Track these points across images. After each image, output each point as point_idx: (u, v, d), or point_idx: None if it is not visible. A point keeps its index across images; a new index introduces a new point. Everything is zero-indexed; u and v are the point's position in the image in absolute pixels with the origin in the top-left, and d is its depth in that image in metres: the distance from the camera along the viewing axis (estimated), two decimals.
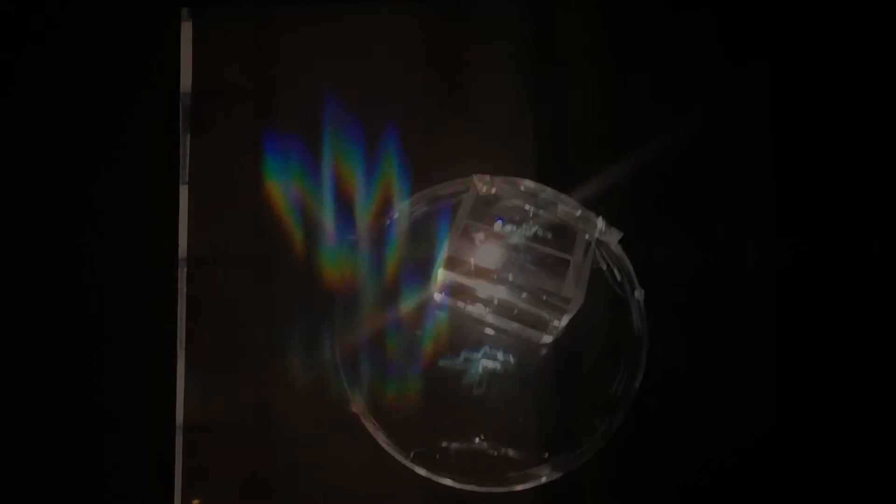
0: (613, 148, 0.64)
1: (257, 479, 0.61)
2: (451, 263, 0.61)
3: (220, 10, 0.64)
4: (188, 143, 0.62)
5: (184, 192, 0.61)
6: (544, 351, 0.65)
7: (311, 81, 0.64)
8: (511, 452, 0.63)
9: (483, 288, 0.62)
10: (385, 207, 0.63)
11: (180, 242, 0.61)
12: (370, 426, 0.62)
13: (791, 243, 0.65)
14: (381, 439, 0.62)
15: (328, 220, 0.62)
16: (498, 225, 0.61)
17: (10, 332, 0.59)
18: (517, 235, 0.61)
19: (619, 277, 0.64)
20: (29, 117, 0.61)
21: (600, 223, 0.61)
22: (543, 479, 0.62)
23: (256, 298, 0.62)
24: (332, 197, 0.63)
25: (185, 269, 0.62)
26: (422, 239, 0.66)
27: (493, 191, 0.62)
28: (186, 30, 0.62)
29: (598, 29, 0.65)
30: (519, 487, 0.62)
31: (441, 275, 0.63)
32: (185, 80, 0.62)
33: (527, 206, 0.62)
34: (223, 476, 0.61)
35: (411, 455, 0.62)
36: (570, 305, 0.60)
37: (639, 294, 0.63)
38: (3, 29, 0.61)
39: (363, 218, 0.62)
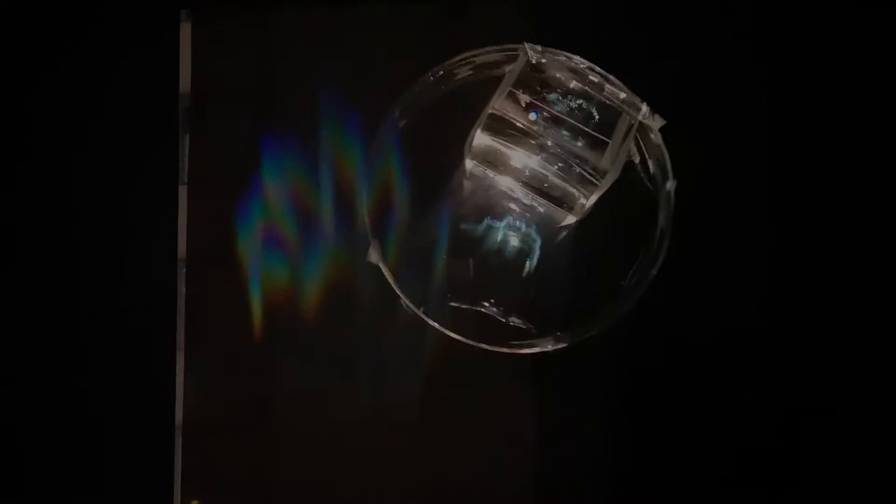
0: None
1: (257, 480, 0.61)
2: (490, 124, 0.61)
3: (218, 11, 0.64)
4: (187, 144, 0.62)
5: (182, 192, 0.62)
6: (566, 232, 0.65)
7: (309, 82, 0.64)
8: (518, 321, 0.63)
9: (517, 157, 0.62)
10: (384, 206, 0.63)
11: (179, 242, 0.61)
12: (388, 276, 0.62)
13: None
14: (397, 290, 0.62)
15: (327, 220, 0.63)
16: (532, 116, 0.61)
17: (8, 333, 0.59)
18: (561, 106, 0.61)
19: (652, 169, 0.65)
20: (27, 118, 0.61)
21: (644, 108, 0.61)
22: (549, 348, 0.62)
23: (255, 298, 0.62)
24: (331, 196, 0.63)
25: (184, 270, 0.62)
26: (460, 104, 0.66)
27: (543, 60, 0.62)
28: (185, 31, 0.63)
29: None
30: (523, 351, 0.62)
31: (477, 137, 0.62)
32: (184, 81, 0.63)
33: (573, 83, 0.61)
34: (222, 476, 0.61)
35: (422, 308, 0.62)
36: (604, 180, 0.60)
37: (670, 185, 0.63)
38: (2, 29, 0.61)
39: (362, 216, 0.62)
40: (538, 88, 0.61)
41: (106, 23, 0.62)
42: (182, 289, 0.61)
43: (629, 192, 0.64)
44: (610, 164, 0.60)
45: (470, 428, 0.63)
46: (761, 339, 0.65)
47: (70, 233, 0.60)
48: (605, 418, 0.63)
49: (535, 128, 0.60)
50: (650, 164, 0.65)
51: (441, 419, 0.63)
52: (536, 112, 0.60)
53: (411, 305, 0.62)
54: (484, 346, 0.61)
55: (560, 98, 0.61)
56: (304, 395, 0.62)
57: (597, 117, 0.61)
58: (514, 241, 0.65)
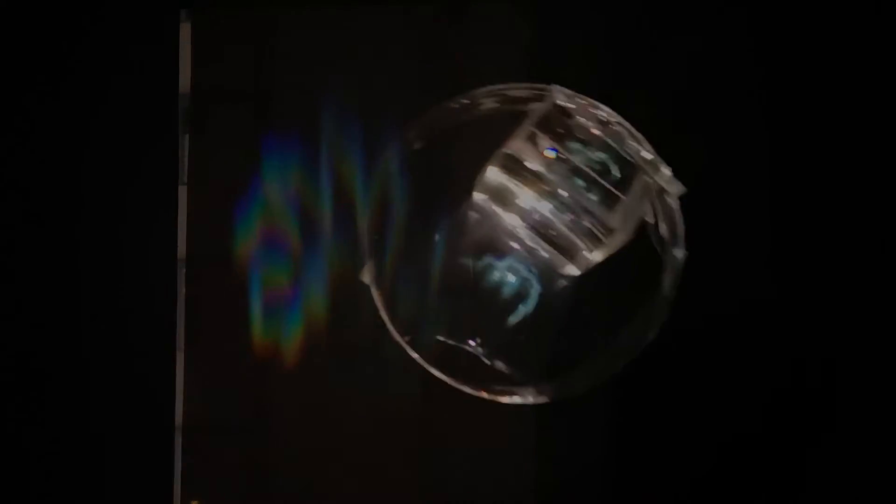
0: None
1: (256, 480, 0.61)
2: (504, 162, 0.59)
3: (218, 10, 0.63)
4: (186, 144, 0.62)
5: (182, 192, 0.61)
6: (566, 282, 0.63)
7: (309, 83, 0.63)
8: (502, 365, 0.62)
9: (527, 198, 0.60)
10: (384, 207, 0.63)
11: (179, 243, 0.61)
12: (377, 299, 0.61)
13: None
14: (385, 316, 0.60)
15: (327, 222, 0.62)
16: (550, 153, 0.59)
17: (7, 333, 0.59)
18: (580, 156, 0.59)
19: (663, 234, 0.63)
20: (26, 118, 0.61)
21: (666, 171, 0.60)
22: (530, 400, 0.60)
23: (255, 298, 0.61)
24: (331, 198, 0.63)
25: (184, 270, 0.61)
26: (479, 134, 0.64)
27: (570, 105, 0.60)
28: (185, 30, 0.62)
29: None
30: (503, 400, 0.60)
31: (489, 172, 0.61)
32: (184, 81, 0.62)
33: (598, 133, 0.60)
34: (222, 477, 0.61)
35: (407, 338, 0.61)
36: (611, 239, 0.58)
37: (680, 253, 0.61)
38: (1, 29, 0.61)
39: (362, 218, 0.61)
40: (560, 133, 0.59)
41: (105, 23, 0.61)
42: (182, 289, 0.60)
43: (636, 252, 0.63)
44: (620, 222, 0.58)
45: (467, 435, 0.62)
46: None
47: (69, 233, 0.60)
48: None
49: (549, 175, 0.58)
50: (663, 227, 0.63)
51: (437, 428, 0.62)
52: (555, 150, 0.58)
53: (395, 333, 0.60)
54: (463, 387, 0.59)
55: (581, 148, 0.59)
56: (303, 396, 0.61)
57: (615, 173, 0.59)
58: (512, 283, 0.63)
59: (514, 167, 0.59)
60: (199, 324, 0.60)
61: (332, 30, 0.64)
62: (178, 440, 0.59)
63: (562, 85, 0.61)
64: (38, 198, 0.60)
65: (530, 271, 0.63)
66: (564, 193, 0.58)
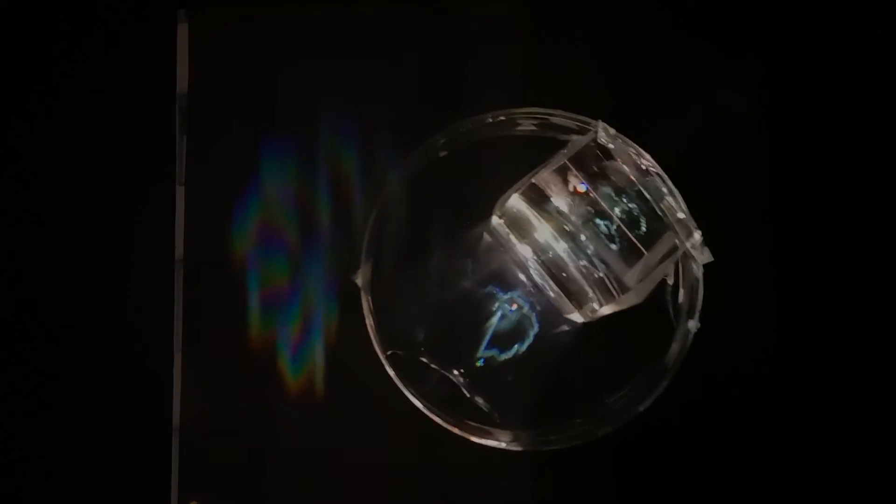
0: None
1: (254, 481, 0.60)
2: (529, 192, 0.56)
3: (216, 11, 0.63)
4: (184, 145, 0.61)
5: (180, 193, 0.61)
6: (566, 329, 0.59)
7: (308, 83, 0.62)
8: (482, 402, 0.58)
9: (545, 234, 0.56)
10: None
11: (176, 244, 0.60)
12: (365, 306, 0.57)
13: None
14: (369, 322, 0.57)
15: (325, 222, 0.61)
16: (581, 187, 0.55)
17: (5, 333, 0.58)
18: (610, 203, 0.55)
19: (681, 299, 0.59)
20: (24, 118, 0.60)
21: (697, 236, 0.56)
22: (502, 445, 0.57)
23: (253, 299, 0.60)
24: (329, 199, 0.61)
25: (182, 271, 0.60)
26: (510, 155, 0.61)
27: (611, 146, 0.56)
28: (183, 31, 0.61)
29: None
30: (474, 439, 0.57)
31: (512, 199, 0.57)
32: (182, 82, 0.62)
33: (634, 179, 0.55)
34: (220, 478, 0.60)
35: (388, 353, 0.57)
36: (623, 297, 0.54)
37: (693, 326, 0.57)
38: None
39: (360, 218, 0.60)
40: (594, 172, 0.55)
41: (103, 23, 0.61)
42: (179, 290, 0.60)
43: (647, 312, 0.59)
44: (635, 281, 0.54)
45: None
46: None
47: (66, 233, 0.59)
48: None
49: (572, 215, 0.54)
50: (681, 293, 0.59)
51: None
52: (587, 186, 0.54)
53: (376, 345, 0.57)
54: (436, 418, 0.56)
55: (612, 194, 0.55)
56: (300, 397, 0.60)
57: (643, 227, 0.55)
58: (510, 318, 0.59)
59: (538, 199, 0.55)
60: (196, 325, 0.60)
61: (330, 30, 0.63)
62: (176, 441, 0.59)
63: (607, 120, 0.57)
64: (35, 198, 0.59)
65: (532, 309, 0.59)
66: (584, 238, 0.54)
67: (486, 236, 0.60)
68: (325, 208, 0.60)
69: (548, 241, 0.56)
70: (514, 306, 0.59)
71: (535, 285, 0.59)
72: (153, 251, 0.59)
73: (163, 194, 0.59)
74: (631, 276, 0.54)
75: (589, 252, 0.54)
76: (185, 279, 0.60)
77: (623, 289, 0.54)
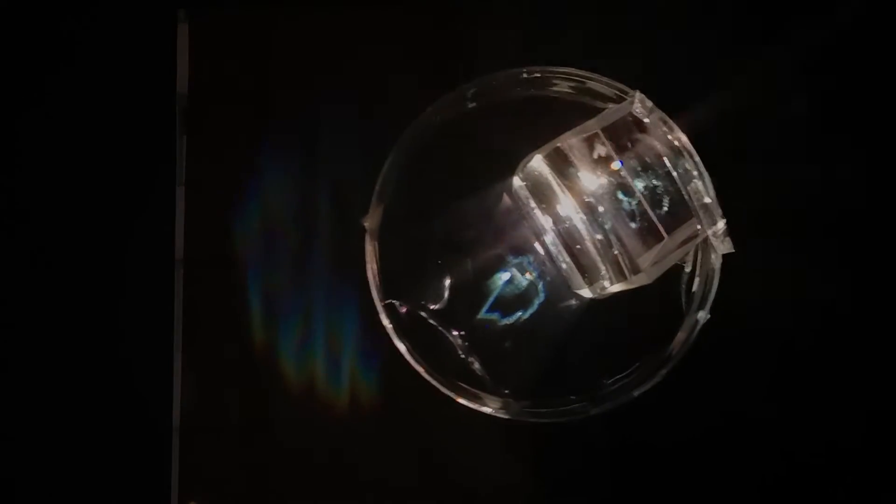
0: None
1: (254, 481, 0.60)
2: (554, 156, 0.53)
3: (216, 10, 0.62)
4: (184, 145, 0.61)
5: (180, 193, 0.60)
6: (573, 303, 0.57)
7: (308, 82, 0.61)
8: (476, 364, 0.56)
9: (564, 202, 0.54)
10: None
11: (176, 244, 0.60)
12: (369, 249, 0.56)
13: None
14: (371, 270, 0.56)
15: (326, 221, 0.60)
16: (616, 165, 0.53)
17: (6, 333, 0.58)
18: (635, 178, 0.52)
19: (695, 287, 0.56)
20: (23, 118, 0.60)
21: (721, 225, 0.53)
22: (487, 410, 0.55)
23: (253, 299, 0.60)
24: (330, 198, 0.61)
25: (182, 271, 0.60)
26: (544, 114, 0.58)
27: (646, 120, 0.53)
28: (183, 31, 0.61)
29: None
30: (461, 401, 0.55)
31: (535, 161, 0.55)
32: (182, 82, 0.61)
33: (665, 157, 0.53)
34: (219, 477, 0.60)
35: (385, 301, 0.56)
36: (634, 278, 0.52)
37: (702, 316, 0.55)
38: None
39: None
40: (624, 145, 0.53)
41: (102, 23, 0.60)
42: (180, 290, 0.59)
43: (659, 298, 0.57)
44: (649, 263, 0.52)
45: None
46: None
47: (66, 233, 0.59)
48: None
49: (594, 186, 0.52)
50: (696, 282, 0.56)
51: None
52: (622, 162, 0.52)
53: (374, 293, 0.55)
54: (426, 376, 0.55)
55: (639, 169, 0.53)
56: (301, 396, 0.59)
57: (665, 207, 0.52)
58: (518, 284, 0.57)
59: (562, 165, 0.53)
60: (196, 325, 0.60)
61: (329, 29, 0.61)
62: (176, 441, 0.59)
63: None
64: (35, 198, 0.59)
65: (541, 278, 0.57)
66: (602, 210, 0.52)
67: (506, 197, 0.58)
68: (325, 208, 0.60)
69: (566, 210, 0.54)
70: (524, 272, 0.57)
71: (549, 254, 0.57)
72: (153, 251, 0.59)
73: (163, 194, 0.59)
74: (646, 258, 0.52)
75: (606, 227, 0.52)
76: (185, 279, 0.60)
77: (635, 269, 0.52)
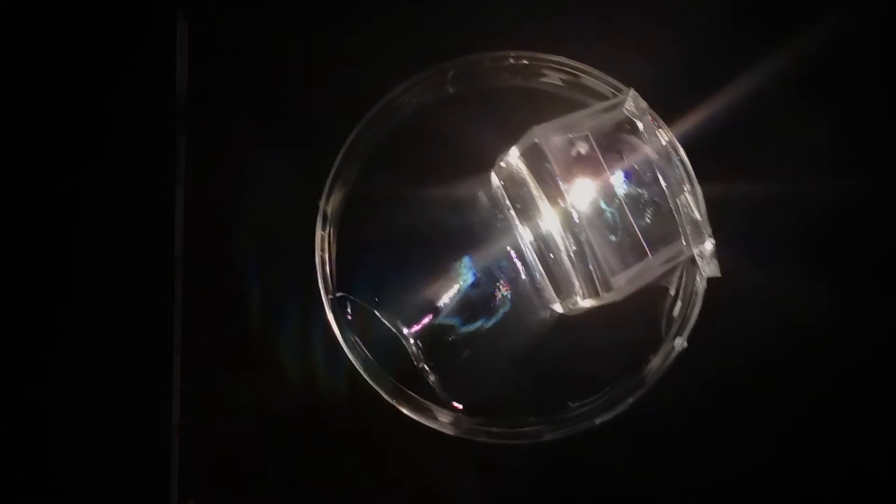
0: None
1: (254, 480, 0.57)
2: (532, 153, 0.48)
3: (215, 9, 0.60)
4: (184, 144, 0.59)
5: (180, 193, 0.59)
6: (541, 317, 0.52)
7: (307, 82, 0.59)
8: (428, 371, 0.51)
9: (539, 204, 0.49)
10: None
11: (176, 244, 0.59)
12: (320, 236, 0.51)
13: None
14: (319, 258, 0.51)
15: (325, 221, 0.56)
16: (591, 160, 0.47)
17: (6, 332, 0.57)
18: (622, 186, 0.47)
19: (675, 312, 0.51)
20: (23, 117, 0.58)
21: (709, 245, 0.48)
22: (434, 425, 0.50)
23: (252, 298, 0.57)
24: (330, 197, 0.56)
25: (181, 269, 0.58)
26: (530, 107, 0.53)
27: (639, 124, 0.48)
28: (182, 30, 0.60)
29: None
30: (406, 411, 0.50)
31: (512, 157, 0.50)
32: (181, 81, 0.60)
33: (656, 167, 0.48)
34: (219, 476, 0.57)
35: (331, 296, 0.51)
36: (606, 295, 0.47)
37: (679, 344, 0.50)
38: None
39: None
40: (611, 146, 0.48)
41: (101, 22, 0.59)
42: (179, 288, 0.58)
43: (636, 319, 0.52)
44: (624, 281, 0.46)
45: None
46: None
47: (66, 232, 0.58)
48: None
49: (574, 192, 0.47)
50: (678, 306, 0.51)
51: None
52: (599, 160, 0.47)
53: (321, 285, 0.51)
54: (372, 382, 0.50)
55: (625, 176, 0.47)
56: (300, 396, 0.56)
57: (648, 219, 0.47)
58: (483, 289, 0.52)
59: (541, 163, 0.48)
60: (196, 324, 0.57)
61: (329, 29, 0.58)
62: (175, 440, 0.57)
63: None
64: (35, 198, 0.58)
65: (510, 286, 0.52)
66: (579, 219, 0.47)
67: (480, 194, 0.53)
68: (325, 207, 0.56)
69: (542, 215, 0.49)
70: (491, 278, 0.52)
71: (522, 261, 0.52)
72: (153, 251, 0.57)
73: (163, 194, 0.58)
74: (622, 276, 0.46)
75: (582, 237, 0.47)
76: (185, 279, 0.57)
77: (607, 287, 0.46)
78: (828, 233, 0.55)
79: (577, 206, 0.47)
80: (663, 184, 0.48)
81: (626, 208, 0.47)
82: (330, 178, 0.52)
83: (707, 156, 0.49)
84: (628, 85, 0.49)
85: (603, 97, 0.52)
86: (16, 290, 0.57)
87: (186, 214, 0.58)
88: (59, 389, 0.57)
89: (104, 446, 0.57)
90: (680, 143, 0.49)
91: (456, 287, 0.52)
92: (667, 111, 0.50)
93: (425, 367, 0.52)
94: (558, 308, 0.51)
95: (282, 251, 0.56)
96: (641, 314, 0.52)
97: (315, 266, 0.51)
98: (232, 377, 0.57)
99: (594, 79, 0.52)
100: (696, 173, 0.48)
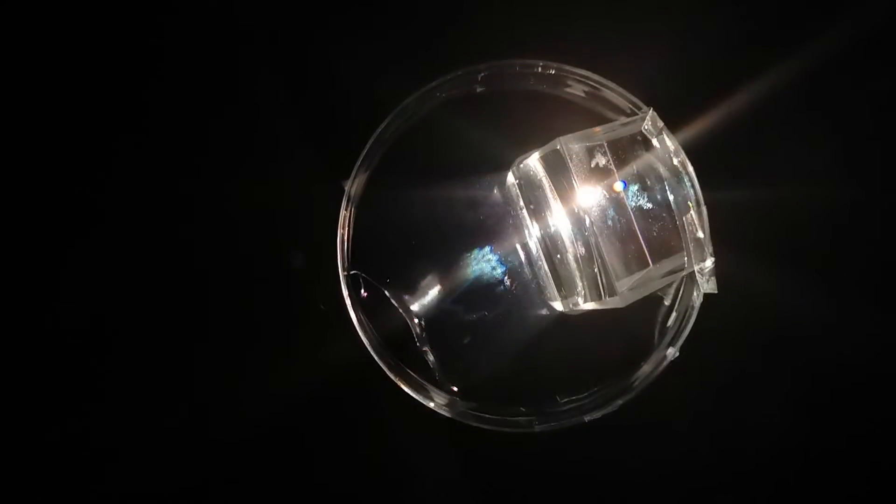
0: None
1: (259, 482, 0.58)
2: (551, 157, 0.51)
3: (216, 10, 0.60)
4: (186, 144, 0.59)
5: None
6: (542, 313, 0.55)
7: (307, 81, 0.59)
8: (430, 355, 0.54)
9: (555, 211, 0.52)
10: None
11: (179, 244, 0.58)
12: (343, 215, 0.53)
13: None
14: (340, 236, 0.53)
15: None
16: (607, 171, 0.50)
17: (12, 332, 0.57)
18: (633, 199, 0.50)
19: (670, 322, 0.54)
20: (26, 117, 0.58)
21: (709, 263, 0.51)
22: (431, 405, 0.53)
23: (256, 299, 0.58)
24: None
25: (187, 272, 0.58)
26: (550, 114, 0.56)
27: (654, 141, 0.51)
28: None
29: None
30: (405, 388, 0.53)
31: (532, 159, 0.52)
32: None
33: (667, 185, 0.50)
34: (220, 478, 0.58)
35: (345, 273, 0.53)
36: (609, 300, 0.50)
37: (671, 353, 0.53)
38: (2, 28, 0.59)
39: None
40: (626, 159, 0.50)
41: (103, 22, 0.59)
42: (186, 290, 0.58)
43: (632, 325, 0.54)
44: (628, 287, 0.49)
45: None
46: None
47: (67, 234, 0.58)
48: None
49: (586, 198, 0.49)
50: (673, 316, 0.54)
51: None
52: (614, 172, 0.49)
53: (340, 263, 0.53)
54: (372, 352, 0.52)
55: (637, 189, 0.50)
56: (301, 395, 0.57)
57: (655, 234, 0.50)
58: (489, 281, 0.55)
59: (558, 168, 0.51)
60: (201, 323, 0.58)
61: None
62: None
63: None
64: (35, 198, 0.58)
65: (515, 280, 0.55)
66: (590, 224, 0.49)
67: (496, 190, 0.55)
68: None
69: (554, 216, 0.52)
70: (499, 271, 0.55)
71: (529, 258, 0.55)
72: (157, 251, 0.57)
73: (165, 194, 0.58)
74: (626, 282, 0.49)
75: (591, 242, 0.50)
76: (189, 281, 0.58)
77: (611, 291, 0.49)
78: (832, 241, 0.58)
79: (589, 212, 0.50)
80: (672, 201, 0.50)
81: (634, 220, 0.50)
82: (357, 163, 0.54)
83: (714, 163, 0.52)
84: (645, 99, 0.52)
85: (622, 112, 0.55)
86: (18, 289, 0.57)
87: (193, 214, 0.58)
88: (59, 390, 0.57)
89: (105, 447, 0.57)
90: (687, 150, 0.52)
91: (463, 276, 0.55)
92: (675, 119, 0.52)
93: (427, 349, 0.54)
94: (558, 306, 0.54)
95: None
96: (637, 321, 0.54)
97: (336, 243, 0.53)
98: (235, 376, 0.57)
99: (615, 94, 0.55)
100: (701, 181, 0.51)
